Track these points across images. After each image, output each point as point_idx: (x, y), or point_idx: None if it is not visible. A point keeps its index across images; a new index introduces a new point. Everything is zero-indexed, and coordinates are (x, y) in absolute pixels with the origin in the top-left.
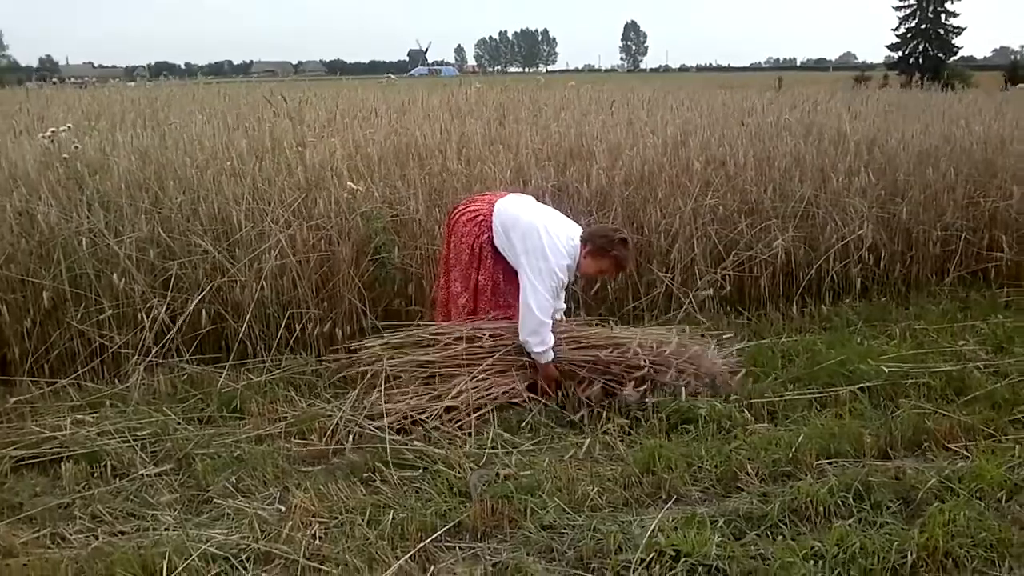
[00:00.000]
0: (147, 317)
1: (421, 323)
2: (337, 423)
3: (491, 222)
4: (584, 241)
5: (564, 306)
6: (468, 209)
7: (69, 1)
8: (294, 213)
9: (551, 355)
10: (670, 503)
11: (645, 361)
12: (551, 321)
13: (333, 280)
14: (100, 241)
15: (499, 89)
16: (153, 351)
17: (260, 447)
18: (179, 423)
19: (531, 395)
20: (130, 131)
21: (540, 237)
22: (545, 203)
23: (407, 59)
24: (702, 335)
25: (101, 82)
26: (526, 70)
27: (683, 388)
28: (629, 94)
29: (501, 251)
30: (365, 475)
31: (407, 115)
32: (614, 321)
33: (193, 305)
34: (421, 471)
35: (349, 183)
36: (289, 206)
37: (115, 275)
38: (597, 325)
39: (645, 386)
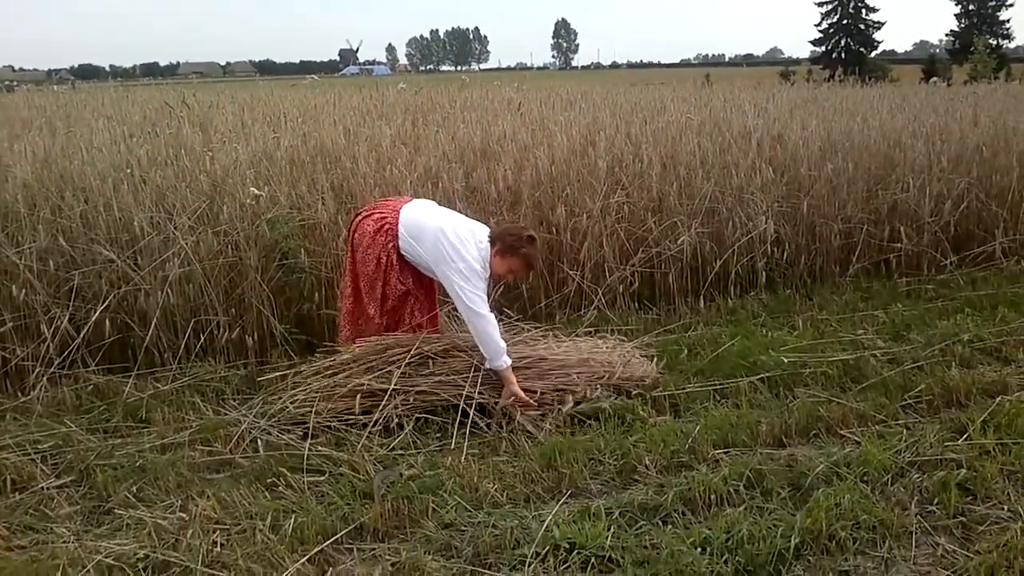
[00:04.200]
0: (49, 328)
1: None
2: (243, 430)
3: (397, 230)
4: (493, 241)
5: None
6: (372, 217)
7: None
8: (199, 220)
9: (507, 360)
10: (567, 497)
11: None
12: (492, 315)
13: (241, 286)
14: None
15: (414, 92)
16: (56, 362)
17: (164, 456)
18: (82, 434)
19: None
20: (32, 139)
21: (450, 239)
22: (455, 204)
23: (338, 59)
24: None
25: (35, 85)
26: (458, 68)
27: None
28: (552, 93)
29: (407, 257)
30: (269, 481)
31: (319, 118)
32: (549, 332)
33: (97, 314)
34: (326, 475)
35: (252, 189)
36: (193, 213)
37: (15, 286)
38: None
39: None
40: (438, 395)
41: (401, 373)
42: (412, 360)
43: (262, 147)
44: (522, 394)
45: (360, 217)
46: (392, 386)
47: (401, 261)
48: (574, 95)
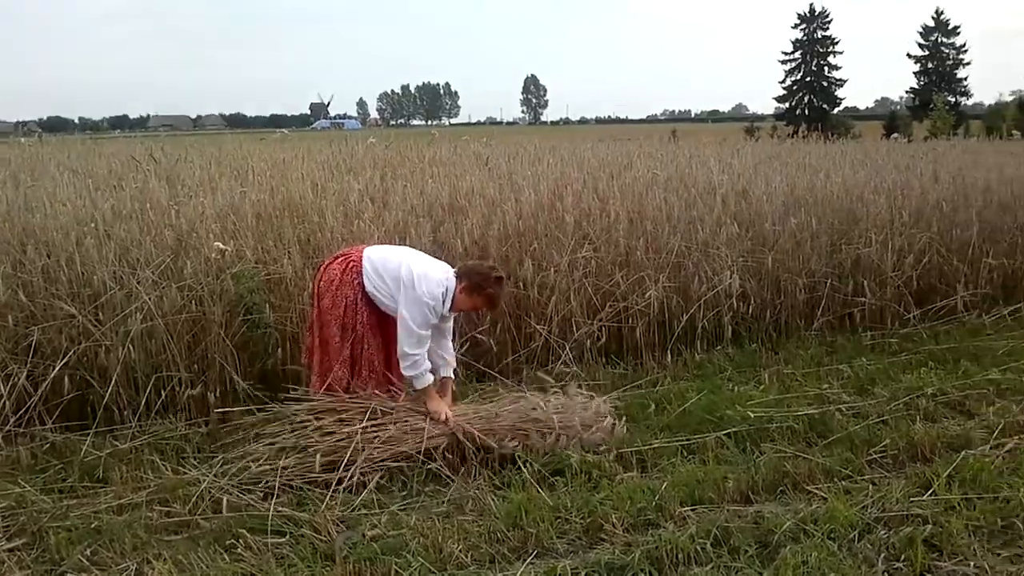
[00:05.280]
0: (5, 385)
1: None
2: (202, 489)
3: (361, 267)
4: (459, 277)
5: (452, 359)
6: (336, 260)
7: None
8: (162, 274)
9: (428, 378)
10: (533, 557)
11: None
12: (424, 347)
13: (204, 341)
14: None
15: (383, 147)
16: (12, 420)
17: (120, 517)
18: (36, 495)
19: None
20: None
21: (411, 270)
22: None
23: (309, 112)
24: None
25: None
26: (429, 123)
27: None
28: (520, 148)
29: (373, 296)
30: (228, 543)
31: (287, 172)
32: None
33: (56, 371)
34: (287, 536)
35: (217, 243)
36: (157, 267)
37: None
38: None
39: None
40: (402, 449)
41: (363, 428)
42: (375, 416)
43: (229, 201)
44: (446, 413)
45: (324, 265)
46: (355, 442)
47: (369, 303)
48: (542, 150)
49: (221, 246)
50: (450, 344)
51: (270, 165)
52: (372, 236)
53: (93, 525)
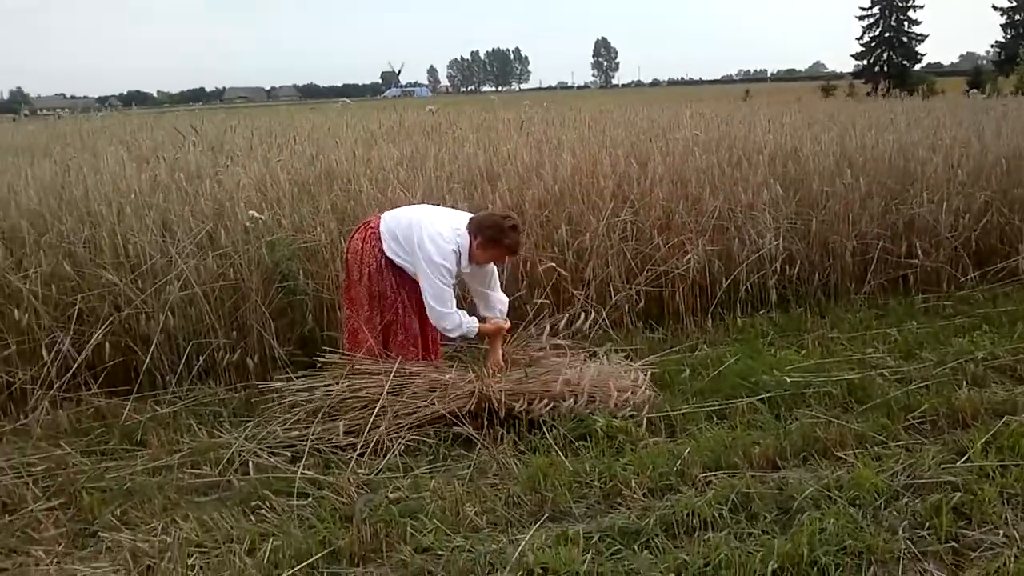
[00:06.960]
0: (49, 352)
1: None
2: (232, 452)
3: (379, 232)
4: (473, 232)
5: (504, 298)
6: (359, 231)
7: (41, 35)
8: (201, 243)
9: (471, 328)
10: (545, 520)
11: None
12: (452, 308)
13: (242, 309)
14: (2, 278)
15: (432, 112)
16: (56, 385)
17: (154, 479)
18: (76, 457)
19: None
20: (51, 164)
21: (422, 229)
22: None
23: (380, 81)
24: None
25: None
26: (499, 89)
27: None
28: (576, 114)
29: (395, 260)
30: (254, 504)
31: (332, 141)
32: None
33: (97, 338)
34: (310, 498)
35: (252, 211)
36: (196, 236)
37: (17, 311)
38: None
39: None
40: (427, 412)
41: (388, 390)
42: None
43: (268, 170)
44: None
45: (351, 236)
46: (379, 406)
47: (392, 267)
48: (589, 114)
49: (255, 214)
50: (499, 293)
51: (314, 135)
52: (407, 202)
53: (126, 486)
